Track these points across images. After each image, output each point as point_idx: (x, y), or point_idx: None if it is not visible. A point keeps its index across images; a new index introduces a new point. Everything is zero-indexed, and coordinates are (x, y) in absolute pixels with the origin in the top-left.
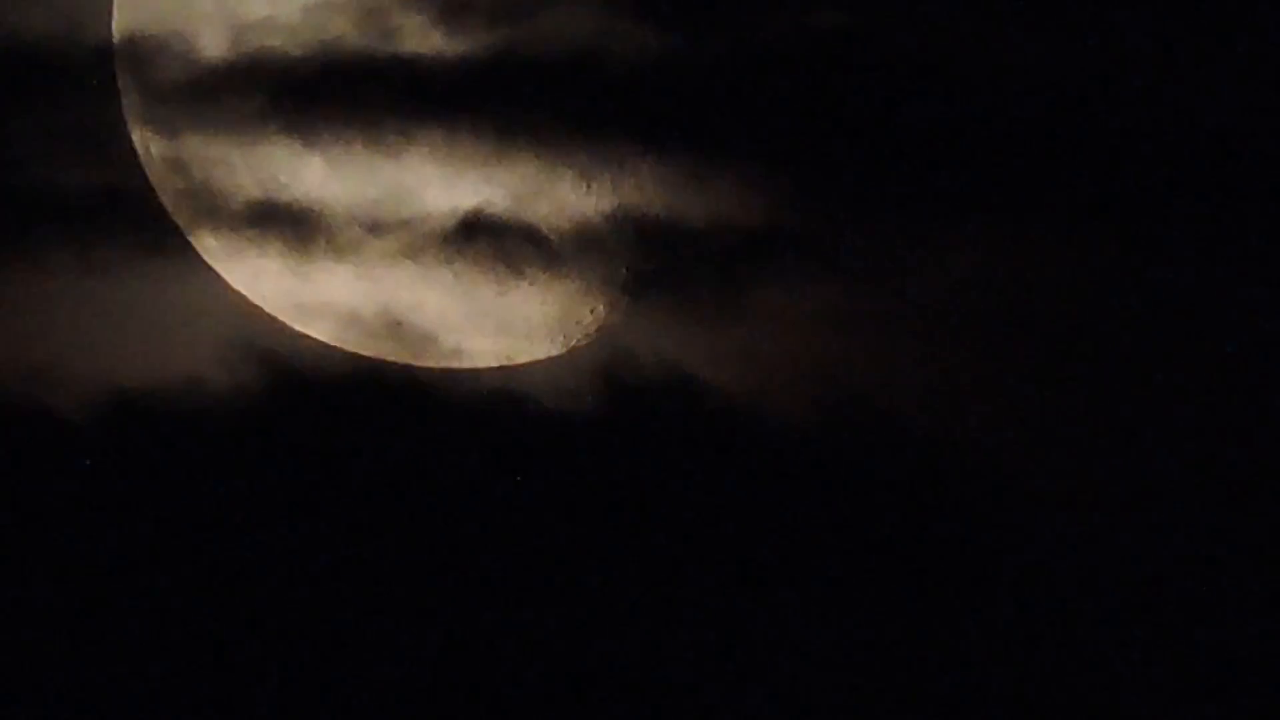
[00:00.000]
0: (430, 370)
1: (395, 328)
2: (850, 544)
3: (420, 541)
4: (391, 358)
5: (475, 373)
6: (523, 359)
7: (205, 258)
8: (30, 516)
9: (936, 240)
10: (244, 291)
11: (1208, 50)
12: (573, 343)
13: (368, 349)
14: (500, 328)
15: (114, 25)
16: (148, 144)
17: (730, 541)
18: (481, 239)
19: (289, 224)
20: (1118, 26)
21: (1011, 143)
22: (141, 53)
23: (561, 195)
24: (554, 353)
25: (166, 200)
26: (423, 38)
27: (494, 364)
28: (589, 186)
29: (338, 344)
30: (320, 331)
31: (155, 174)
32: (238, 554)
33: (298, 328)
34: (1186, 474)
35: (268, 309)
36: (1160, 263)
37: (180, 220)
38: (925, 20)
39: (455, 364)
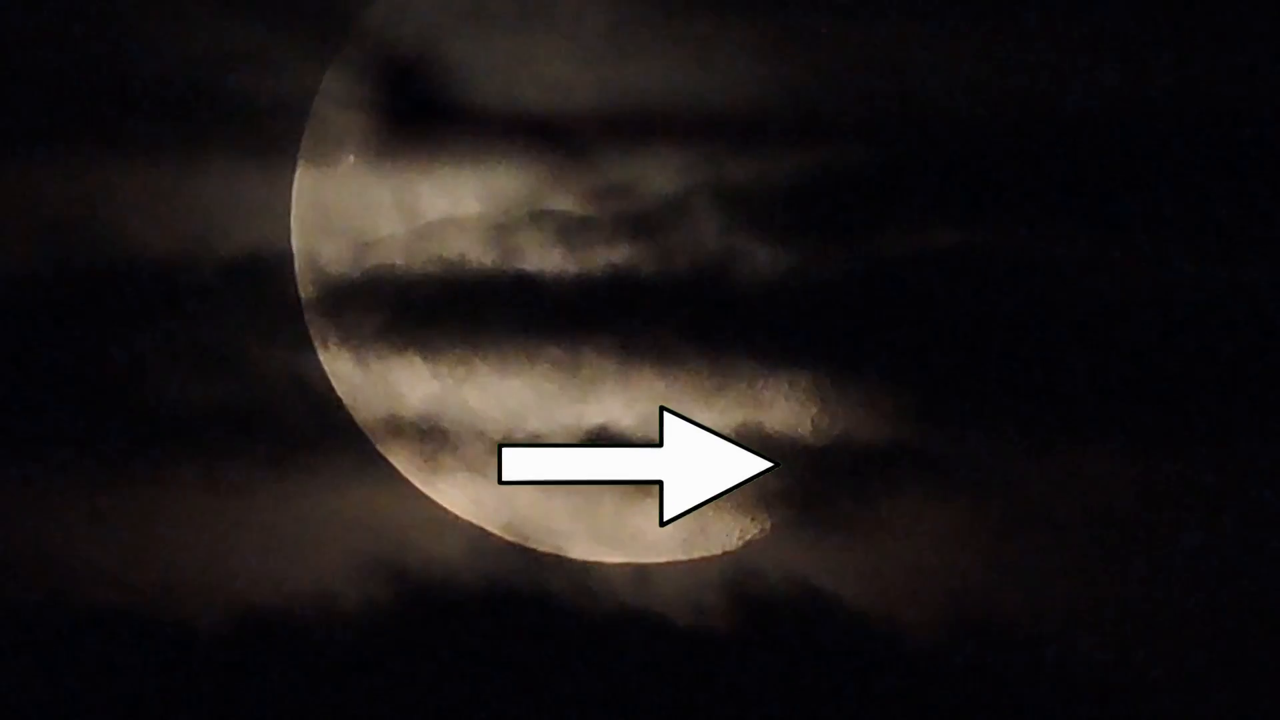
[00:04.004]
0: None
1: (523, 541)
2: None
3: None
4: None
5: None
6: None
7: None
8: None
9: (1064, 454)
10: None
11: None
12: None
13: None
14: (627, 542)
15: (293, 240)
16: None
17: None
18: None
19: (414, 440)
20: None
21: (1139, 355)
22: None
23: (686, 412)
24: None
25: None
26: (544, 256)
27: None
28: (713, 403)
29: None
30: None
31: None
32: None
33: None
34: None
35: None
36: None
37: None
38: (1045, 234)
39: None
